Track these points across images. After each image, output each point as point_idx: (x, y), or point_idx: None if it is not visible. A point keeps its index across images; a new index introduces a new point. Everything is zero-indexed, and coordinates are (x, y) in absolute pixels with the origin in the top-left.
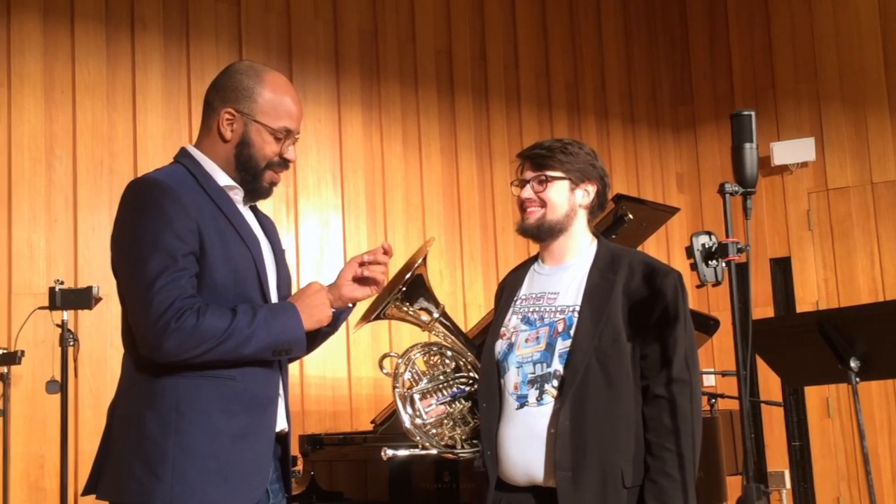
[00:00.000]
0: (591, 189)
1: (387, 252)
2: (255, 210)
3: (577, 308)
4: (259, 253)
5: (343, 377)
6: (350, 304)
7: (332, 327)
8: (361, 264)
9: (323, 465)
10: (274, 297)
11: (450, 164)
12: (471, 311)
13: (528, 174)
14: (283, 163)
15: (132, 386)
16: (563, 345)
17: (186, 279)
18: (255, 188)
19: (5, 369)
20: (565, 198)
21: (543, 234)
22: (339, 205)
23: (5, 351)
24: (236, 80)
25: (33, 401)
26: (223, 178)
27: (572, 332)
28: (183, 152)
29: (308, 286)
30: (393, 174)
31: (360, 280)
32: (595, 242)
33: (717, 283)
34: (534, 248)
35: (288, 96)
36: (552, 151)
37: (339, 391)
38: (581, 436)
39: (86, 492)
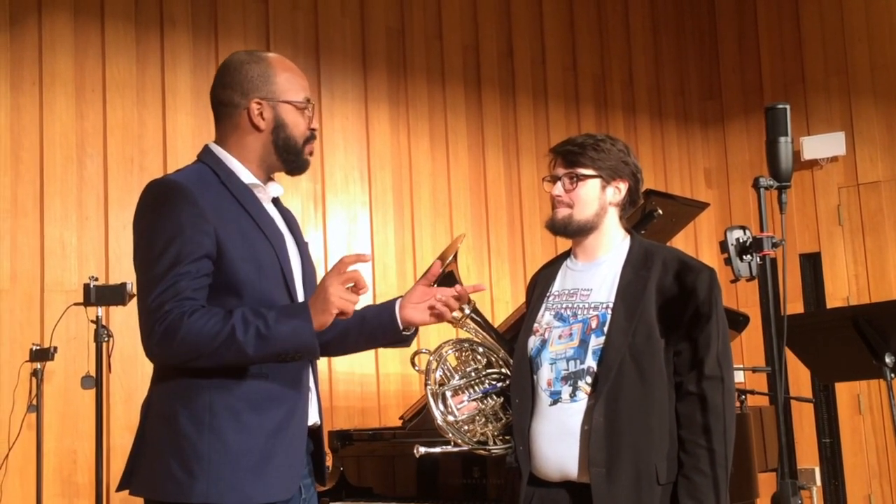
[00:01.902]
0: (623, 186)
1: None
2: (278, 205)
3: (611, 305)
4: (283, 249)
5: (371, 373)
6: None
7: (400, 343)
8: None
9: (352, 461)
10: (300, 292)
11: (477, 160)
12: (498, 307)
13: (560, 171)
14: (314, 133)
15: (165, 384)
16: (596, 342)
17: (187, 281)
18: (298, 165)
19: (38, 365)
20: (595, 196)
21: (571, 232)
22: (366, 202)
23: (38, 347)
24: (245, 71)
25: (66, 396)
26: (247, 176)
27: (606, 328)
28: (206, 151)
29: (321, 282)
30: (420, 171)
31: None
32: (628, 238)
33: (751, 278)
34: (561, 245)
35: (295, 69)
36: (584, 149)
37: (368, 387)
38: (615, 432)
39: (120, 487)
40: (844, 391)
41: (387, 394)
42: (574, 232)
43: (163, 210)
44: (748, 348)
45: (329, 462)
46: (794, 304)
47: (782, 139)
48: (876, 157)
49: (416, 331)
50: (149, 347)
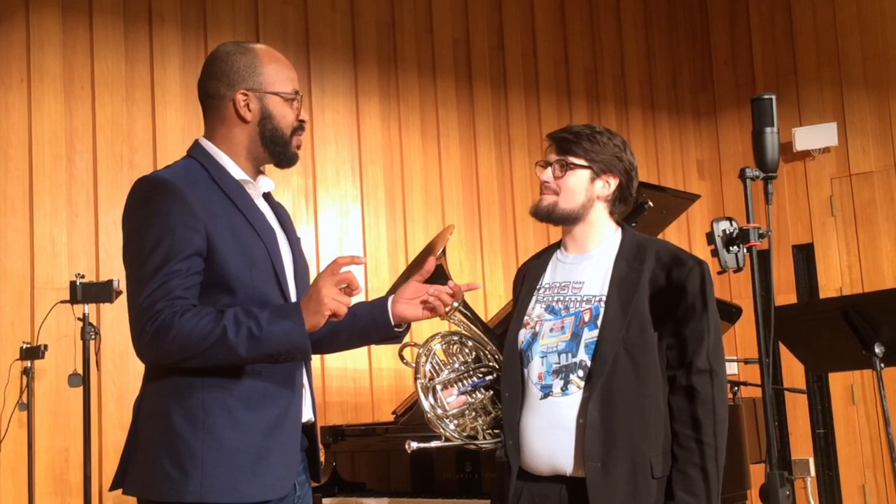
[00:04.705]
0: (613, 182)
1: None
2: (269, 200)
3: (604, 298)
4: (274, 244)
5: (364, 368)
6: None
7: (392, 340)
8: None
9: (345, 457)
10: (292, 287)
11: (468, 154)
12: (491, 301)
13: (552, 156)
14: (302, 125)
15: (158, 382)
16: (589, 335)
17: (177, 280)
18: (287, 157)
19: (29, 363)
20: (583, 187)
21: (555, 220)
22: (357, 196)
23: (29, 345)
24: (232, 62)
25: (57, 394)
26: (237, 172)
27: (599, 321)
28: (196, 146)
29: (314, 282)
30: (411, 165)
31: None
32: (619, 231)
33: (738, 270)
34: (553, 238)
35: (283, 60)
36: (578, 138)
37: (361, 382)
38: (610, 426)
39: (113, 486)
40: (838, 382)
41: (380, 389)
42: (558, 220)
43: (151, 207)
44: (742, 340)
45: (322, 458)
46: (788, 296)
47: (768, 129)
48: (868, 147)
49: (408, 328)
50: (139, 347)
